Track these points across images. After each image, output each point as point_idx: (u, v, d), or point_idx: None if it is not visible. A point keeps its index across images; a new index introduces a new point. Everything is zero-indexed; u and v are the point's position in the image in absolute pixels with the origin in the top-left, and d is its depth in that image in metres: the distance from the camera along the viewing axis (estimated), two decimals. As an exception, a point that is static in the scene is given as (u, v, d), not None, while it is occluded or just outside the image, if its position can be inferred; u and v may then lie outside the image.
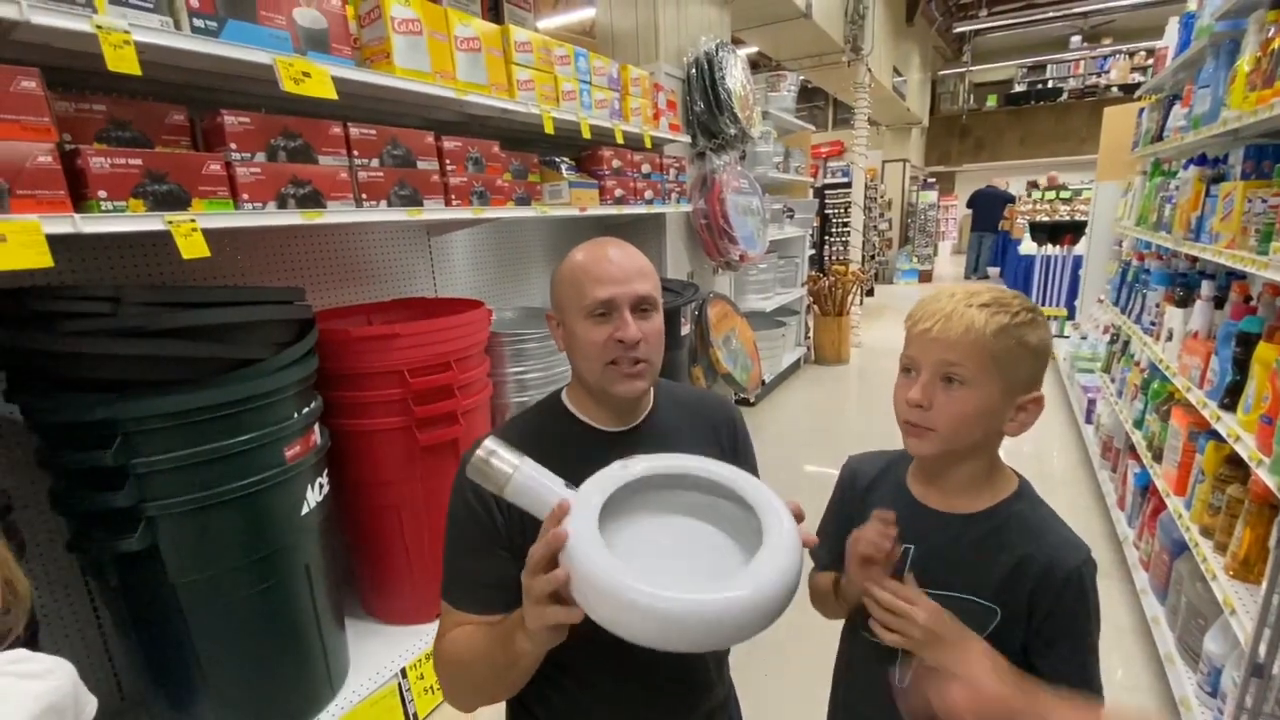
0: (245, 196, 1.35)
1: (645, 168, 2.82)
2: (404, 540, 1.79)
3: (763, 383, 4.38)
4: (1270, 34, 1.64)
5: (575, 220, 3.05)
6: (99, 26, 1.09)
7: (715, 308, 3.73)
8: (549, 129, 2.21)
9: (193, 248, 1.21)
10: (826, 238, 7.95)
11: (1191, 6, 2.58)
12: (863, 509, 0.88)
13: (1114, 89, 12.34)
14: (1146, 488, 2.43)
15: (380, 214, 1.64)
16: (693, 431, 0.95)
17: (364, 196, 1.60)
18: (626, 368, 0.84)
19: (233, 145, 1.34)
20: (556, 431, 0.90)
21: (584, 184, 2.46)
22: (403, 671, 1.70)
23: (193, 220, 1.22)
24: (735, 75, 3.45)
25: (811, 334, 6.08)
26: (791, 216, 5.23)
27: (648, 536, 0.77)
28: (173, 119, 1.38)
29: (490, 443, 0.70)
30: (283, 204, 1.42)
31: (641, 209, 2.80)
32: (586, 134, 2.41)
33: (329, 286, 2.07)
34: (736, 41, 4.39)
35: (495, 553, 0.83)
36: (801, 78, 6.32)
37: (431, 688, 1.75)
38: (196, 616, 1.31)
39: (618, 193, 2.63)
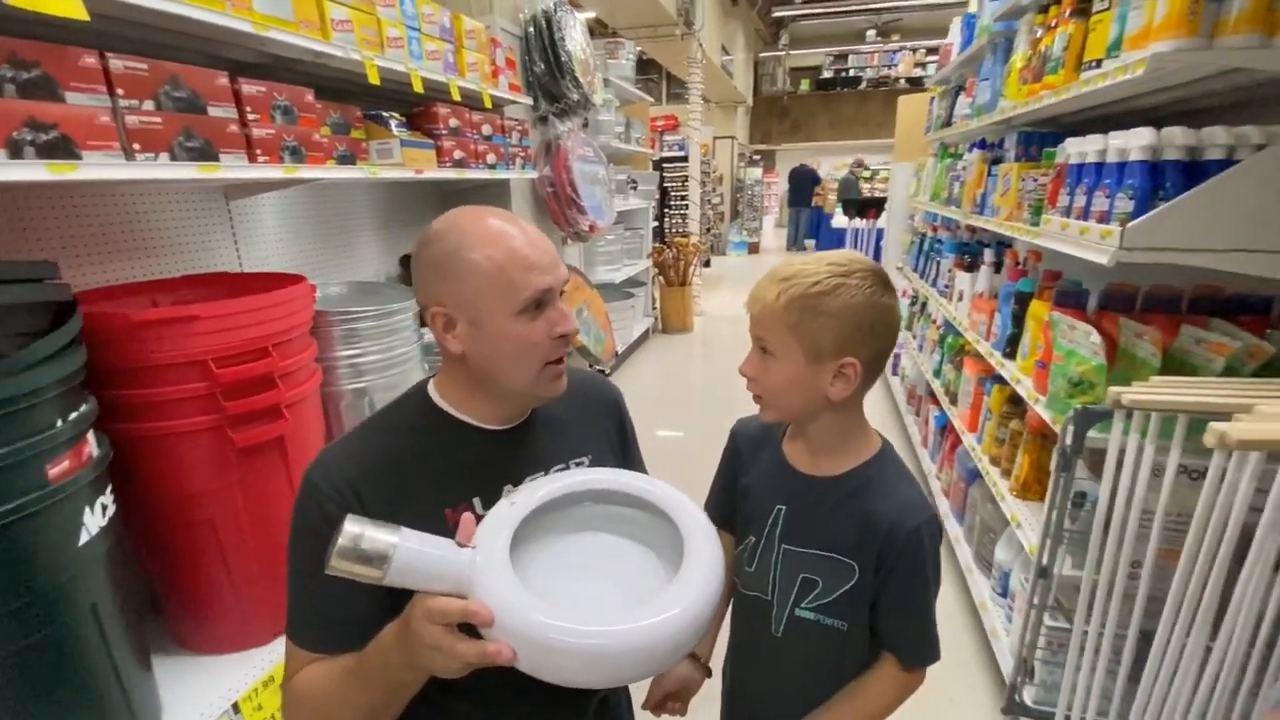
0: (-46, 140, 1.02)
1: (486, 129, 2.64)
2: (224, 559, 1.53)
3: (616, 353, 4.42)
4: (1038, 35, 1.92)
5: (411, 185, 2.79)
6: None
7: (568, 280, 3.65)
8: (374, 79, 1.96)
9: None
10: (666, 210, 8.17)
11: (973, 9, 2.96)
12: (746, 468, 0.94)
13: (902, 81, 14.02)
14: (945, 427, 2.83)
15: (162, 169, 1.34)
16: (580, 422, 0.89)
17: (136, 147, 1.29)
18: (558, 365, 0.77)
19: (-74, 69, 1.00)
20: (433, 437, 0.77)
21: (418, 143, 2.24)
22: (235, 706, 1.47)
23: None
24: (575, 38, 3.34)
25: (658, 304, 6.25)
26: (635, 188, 5.28)
27: (559, 564, 0.72)
28: None
29: (351, 525, 0.56)
30: (16, 152, 1.09)
31: (484, 174, 2.62)
32: (419, 88, 2.18)
33: (95, 261, 1.67)
34: (573, 4, 4.26)
35: (351, 584, 0.71)
36: (638, 49, 6.34)
37: (274, 717, 1.53)
38: (-73, 692, 1.01)
39: (456, 155, 2.43)
